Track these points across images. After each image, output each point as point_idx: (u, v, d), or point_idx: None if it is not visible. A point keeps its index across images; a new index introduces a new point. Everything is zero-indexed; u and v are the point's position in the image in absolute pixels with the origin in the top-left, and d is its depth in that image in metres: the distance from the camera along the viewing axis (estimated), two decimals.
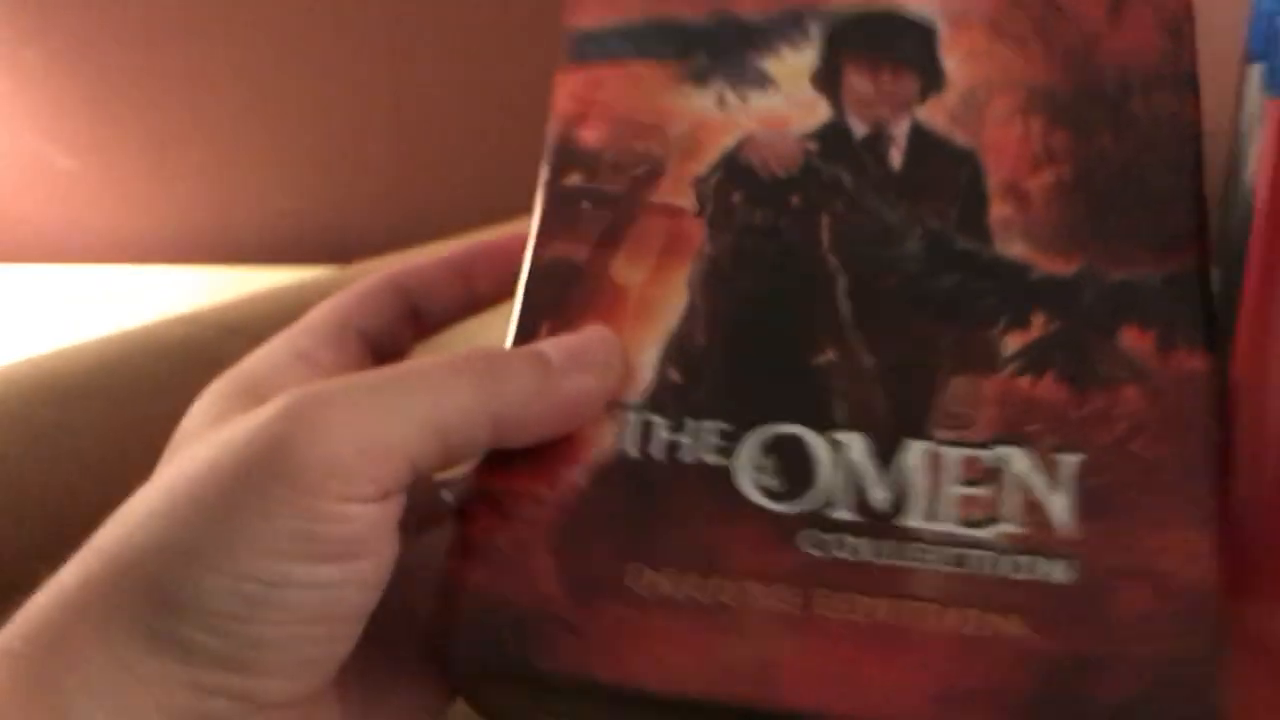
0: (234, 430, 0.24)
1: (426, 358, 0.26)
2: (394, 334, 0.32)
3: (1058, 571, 0.25)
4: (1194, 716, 0.24)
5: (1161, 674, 0.24)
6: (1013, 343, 0.27)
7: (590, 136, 0.31)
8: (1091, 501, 0.26)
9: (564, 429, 0.27)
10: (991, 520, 0.26)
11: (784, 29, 0.32)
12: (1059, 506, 0.26)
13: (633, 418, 0.28)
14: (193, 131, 0.79)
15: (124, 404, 0.42)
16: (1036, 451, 0.27)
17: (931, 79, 0.31)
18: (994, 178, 0.29)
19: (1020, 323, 0.28)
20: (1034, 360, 0.27)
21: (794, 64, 0.31)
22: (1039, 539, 0.26)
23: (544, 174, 0.31)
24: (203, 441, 0.25)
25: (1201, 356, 0.27)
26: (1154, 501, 0.26)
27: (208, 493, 0.23)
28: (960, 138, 0.30)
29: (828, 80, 0.31)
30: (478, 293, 0.33)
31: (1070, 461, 0.26)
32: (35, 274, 0.80)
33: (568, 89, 0.32)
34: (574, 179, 0.31)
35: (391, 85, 0.77)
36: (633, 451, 0.28)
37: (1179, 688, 0.24)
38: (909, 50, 0.31)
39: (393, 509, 0.25)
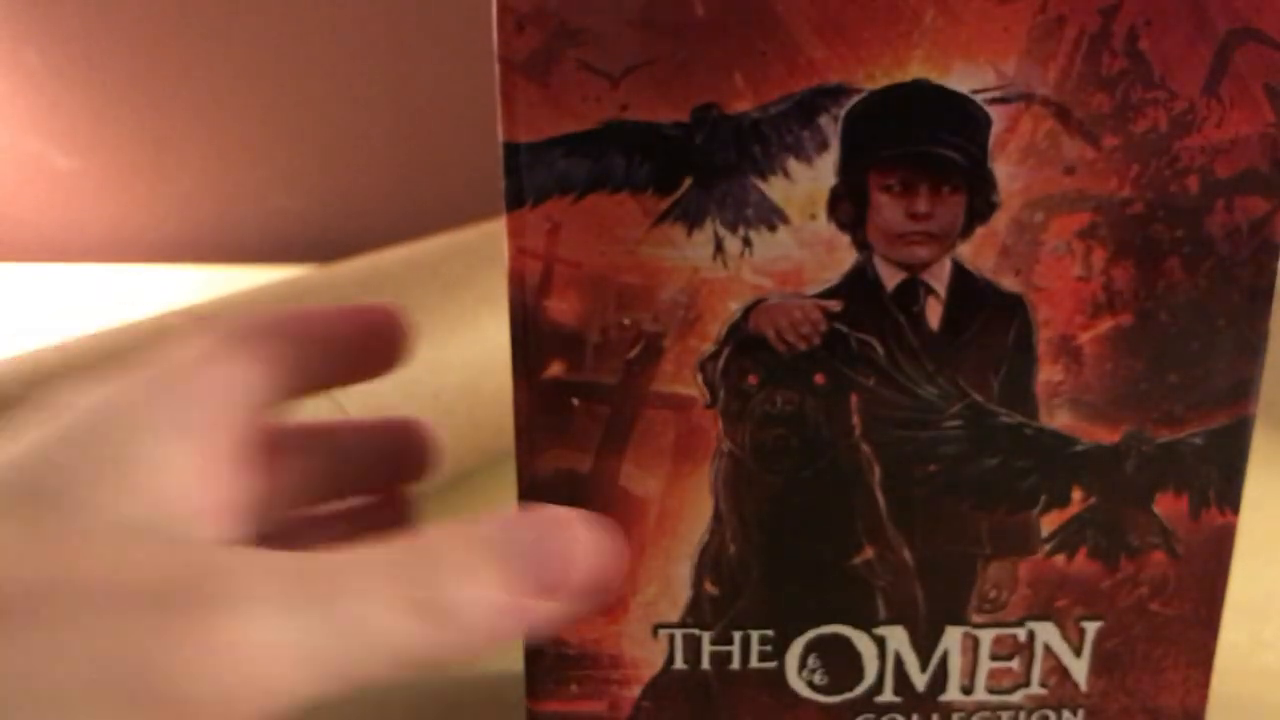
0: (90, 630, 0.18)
1: (361, 574, 0.19)
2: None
3: (1072, 717, 0.28)
4: None
5: None
6: (1050, 522, 0.27)
7: (562, 311, 0.25)
8: (1107, 659, 0.28)
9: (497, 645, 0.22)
10: (1020, 685, 0.28)
11: (791, 131, 0.24)
12: (1079, 668, 0.28)
13: (677, 635, 0.28)
14: (193, 131, 0.79)
15: None
16: (1063, 622, 0.28)
17: (981, 201, 0.24)
18: (1044, 331, 0.25)
19: (1060, 501, 0.27)
20: (1069, 539, 0.27)
21: (806, 186, 0.24)
22: (1059, 696, 0.28)
23: (515, 359, 0.25)
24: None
25: (1230, 514, 0.27)
26: (1162, 651, 0.28)
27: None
28: (1008, 281, 0.25)
29: (850, 209, 0.24)
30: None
31: (1092, 628, 0.28)
32: (35, 273, 0.80)
33: (517, 241, 0.24)
34: (555, 370, 0.25)
35: (391, 85, 0.77)
36: (681, 665, 0.28)
37: None
38: (955, 160, 0.24)
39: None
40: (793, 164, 0.24)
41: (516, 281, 0.24)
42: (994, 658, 0.28)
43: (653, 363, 0.25)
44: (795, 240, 0.24)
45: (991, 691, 0.28)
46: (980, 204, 0.24)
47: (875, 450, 0.26)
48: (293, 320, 0.25)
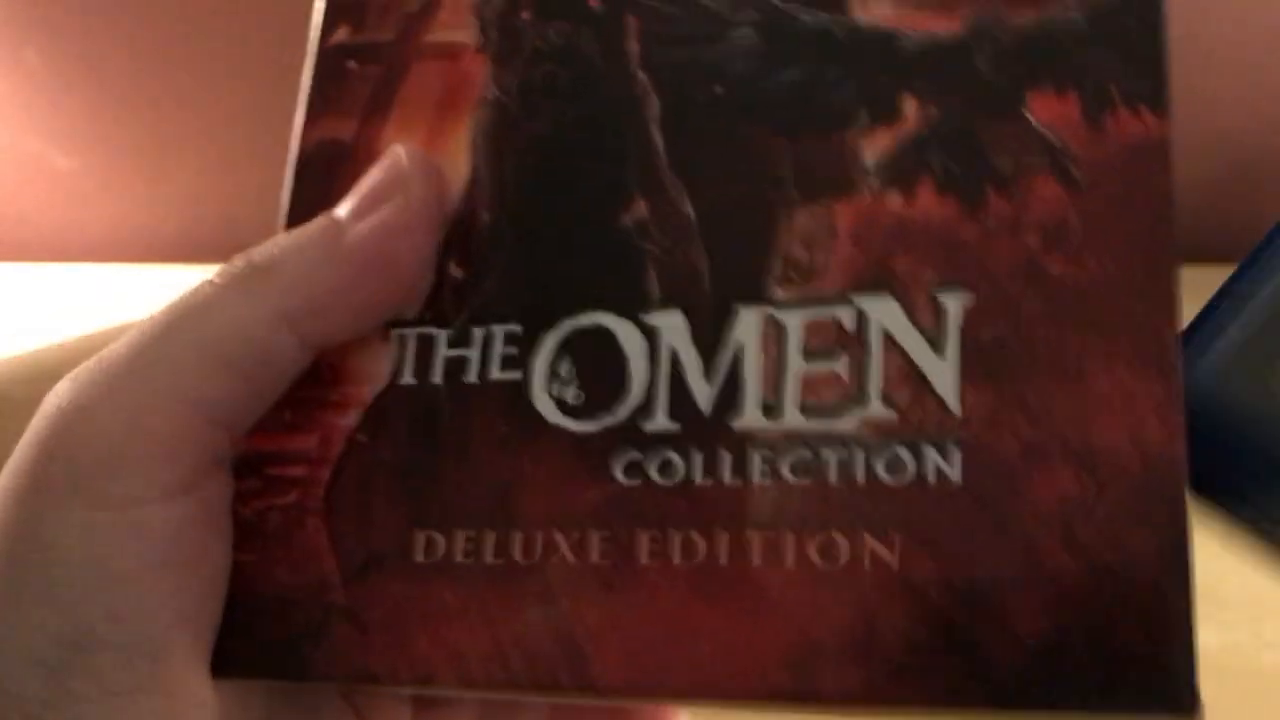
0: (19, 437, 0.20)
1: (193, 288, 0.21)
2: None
3: (945, 465, 0.18)
4: (1152, 656, 0.16)
5: (1102, 593, 0.17)
6: (876, 146, 0.20)
7: None
8: (987, 357, 0.18)
9: (385, 291, 0.21)
10: (851, 404, 0.19)
11: None
12: (943, 372, 0.18)
13: (410, 337, 0.22)
14: (193, 131, 0.79)
15: None
16: (910, 297, 0.19)
17: None
18: None
19: (886, 115, 0.20)
20: (905, 167, 0.20)
21: None
22: (917, 423, 0.18)
23: (310, 40, 0.24)
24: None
25: (1150, 114, 0.19)
26: (1080, 344, 0.18)
27: None
28: None
29: None
30: None
31: (955, 304, 0.19)
32: (35, 273, 0.80)
33: None
34: (341, 34, 0.24)
35: None
36: (409, 379, 0.22)
37: (1129, 611, 0.16)
38: None
39: (209, 494, 0.20)
40: None
41: None
42: (809, 355, 0.19)
43: (431, 12, 0.23)
44: None
45: (808, 413, 0.19)
46: None
47: (653, 78, 0.21)
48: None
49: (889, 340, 0.19)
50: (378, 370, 0.22)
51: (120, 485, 0.19)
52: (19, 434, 0.41)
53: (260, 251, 0.21)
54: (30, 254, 0.82)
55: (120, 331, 0.46)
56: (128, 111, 0.79)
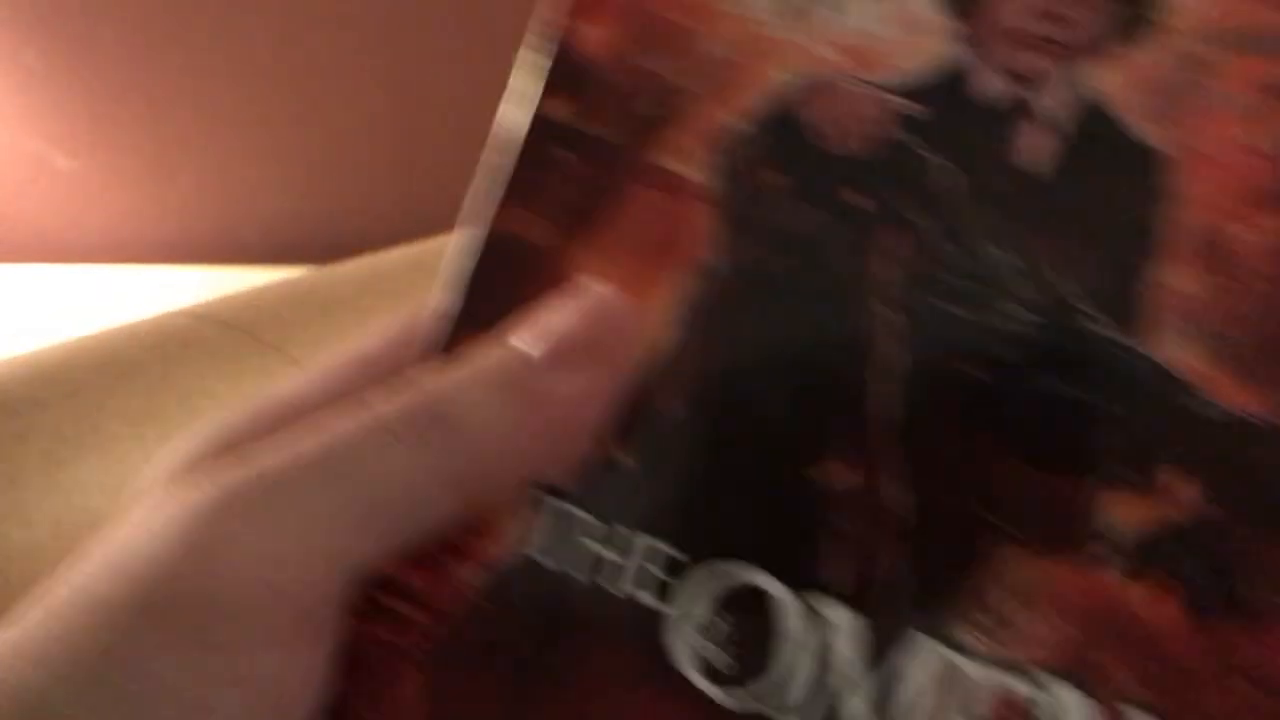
0: (140, 543, 0.18)
1: (350, 411, 0.19)
2: None
3: None
4: None
5: None
6: (1123, 515, 0.17)
7: (593, 39, 0.20)
8: None
9: (564, 461, 0.19)
10: None
11: None
12: None
13: (550, 505, 0.19)
14: (193, 131, 0.79)
15: (110, 388, 0.42)
16: (1101, 699, 0.16)
17: (1136, 12, 0.18)
18: (1188, 216, 0.17)
19: (1140, 481, 0.17)
20: (1154, 556, 0.17)
21: None
22: None
23: (522, 91, 0.20)
24: (119, 536, 0.19)
25: None
26: None
27: (84, 639, 0.18)
28: (1152, 129, 0.17)
29: None
30: None
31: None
32: (35, 274, 0.80)
33: None
34: (559, 108, 0.20)
35: (390, 86, 0.77)
36: (543, 558, 0.19)
37: None
38: None
39: (328, 644, 0.19)
40: None
41: (562, 11, 0.20)
42: (969, 716, 0.17)
43: (663, 126, 0.19)
44: (887, 15, 0.19)
45: None
46: (1131, 14, 0.18)
47: (904, 321, 0.18)
48: None
49: None
50: (505, 529, 0.19)
51: (242, 632, 0.17)
52: (19, 434, 0.41)
53: (441, 396, 0.18)
54: (30, 254, 0.82)
55: (120, 331, 0.46)
56: (128, 113, 0.79)
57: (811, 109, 0.19)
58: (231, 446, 0.20)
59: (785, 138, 0.19)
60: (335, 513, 0.18)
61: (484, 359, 0.18)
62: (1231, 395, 0.16)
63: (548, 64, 0.20)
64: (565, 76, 0.20)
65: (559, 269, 0.19)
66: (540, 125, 0.20)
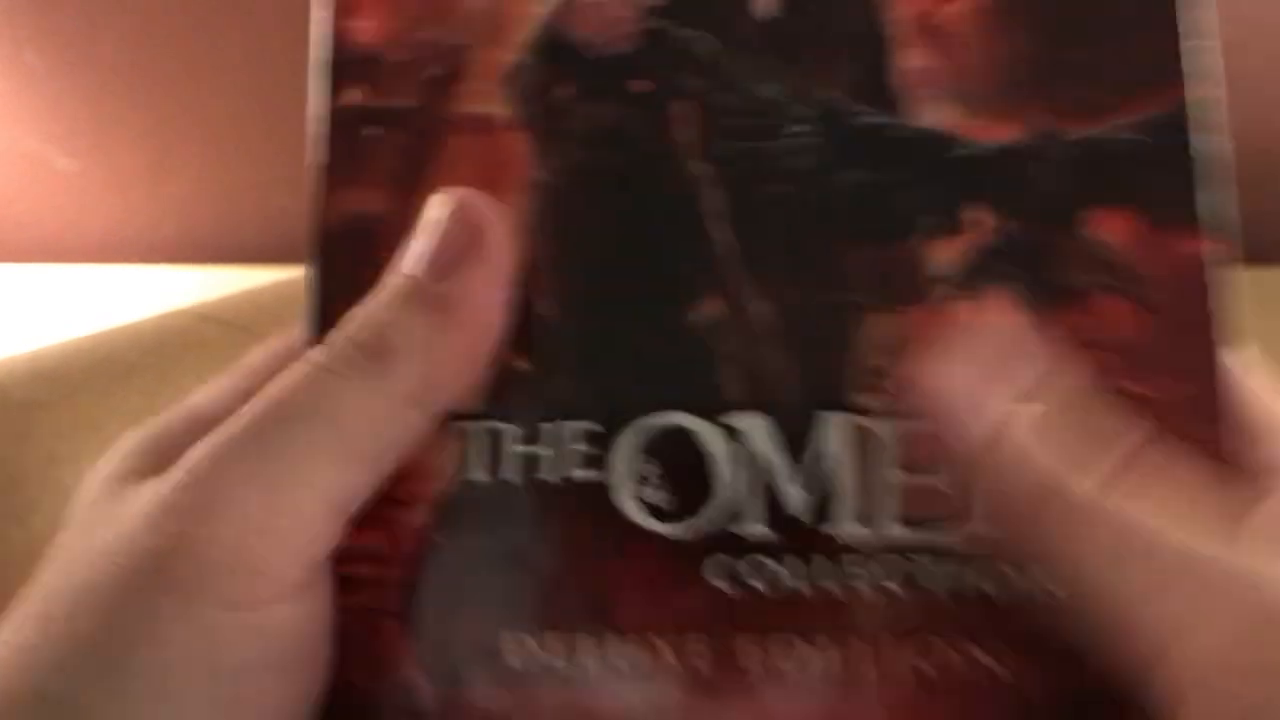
0: (118, 527, 0.19)
1: (286, 371, 0.20)
2: None
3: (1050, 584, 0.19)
4: None
5: None
6: (942, 255, 0.20)
7: (366, 30, 0.22)
8: None
9: (490, 349, 0.21)
10: (954, 518, 0.19)
11: None
12: None
13: (475, 429, 0.21)
14: (192, 131, 0.79)
15: (110, 388, 0.42)
16: None
17: None
18: (898, 8, 0.21)
19: (949, 224, 0.20)
20: (976, 276, 0.20)
21: None
22: None
23: (312, 94, 0.22)
24: (85, 534, 0.20)
25: (1194, 238, 0.20)
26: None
27: (87, 625, 0.18)
28: None
29: None
30: None
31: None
32: (35, 274, 0.80)
33: None
34: (353, 95, 0.22)
35: None
36: (480, 475, 0.21)
37: None
38: None
39: (326, 589, 0.20)
40: None
41: (330, 10, 0.22)
42: (906, 467, 0.20)
43: (455, 80, 0.22)
44: None
45: (909, 525, 0.19)
46: None
47: (715, 169, 0.21)
48: None
49: None
50: (440, 465, 0.21)
51: (247, 586, 0.18)
52: (19, 434, 0.41)
53: (362, 332, 0.20)
54: (30, 255, 0.82)
55: (120, 332, 0.46)
56: (128, 113, 0.79)
57: (574, 26, 0.21)
58: (163, 451, 0.21)
59: (559, 56, 0.22)
60: (311, 454, 0.19)
61: (384, 290, 0.20)
62: (983, 132, 0.20)
63: (329, 60, 0.22)
64: (350, 67, 0.22)
65: (402, 227, 0.21)
66: (342, 113, 0.22)
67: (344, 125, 0.22)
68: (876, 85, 0.21)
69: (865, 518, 0.20)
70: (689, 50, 0.21)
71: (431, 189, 0.21)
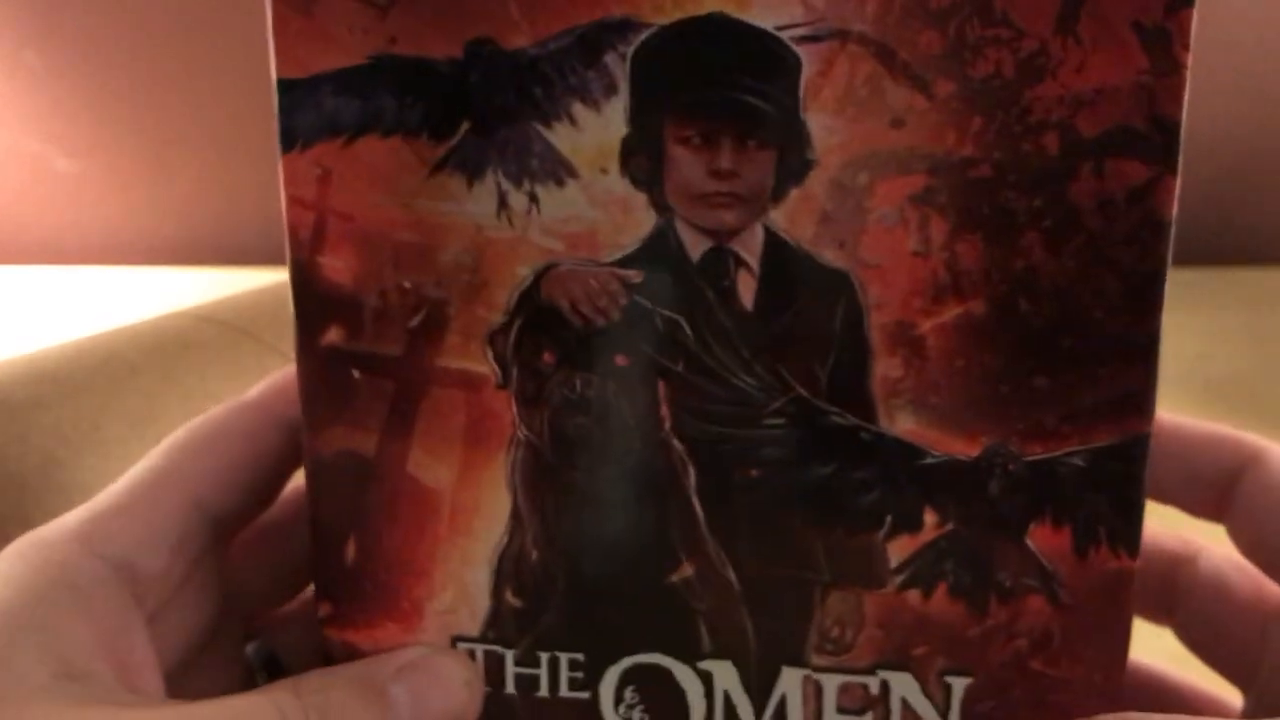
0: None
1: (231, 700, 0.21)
2: (259, 490, 0.24)
3: None
4: None
5: None
6: (900, 549, 0.22)
7: (337, 269, 0.22)
8: None
9: None
10: None
11: (575, 71, 0.21)
12: None
13: (479, 651, 0.24)
14: (193, 132, 0.79)
15: (111, 389, 0.42)
16: (924, 675, 0.23)
17: (794, 158, 0.21)
18: (877, 315, 0.21)
19: (909, 525, 0.22)
20: (924, 572, 0.22)
21: (595, 135, 0.21)
22: None
23: (296, 323, 0.22)
24: None
25: (1126, 557, 0.22)
26: None
27: None
28: (830, 254, 0.21)
29: (645, 164, 0.21)
30: None
31: (959, 685, 0.23)
32: (35, 275, 0.80)
33: (290, 189, 0.22)
34: (333, 336, 0.22)
35: None
36: (485, 686, 0.24)
37: None
38: (761, 108, 0.21)
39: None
40: (579, 109, 0.21)
41: (292, 235, 0.22)
42: (841, 711, 0.23)
43: (438, 333, 0.22)
44: (586, 198, 0.21)
45: None
46: (793, 161, 0.21)
47: (688, 448, 0.22)
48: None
49: (905, 706, 0.23)
50: None
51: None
52: (19, 435, 0.41)
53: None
54: (30, 256, 0.82)
55: (121, 333, 0.46)
56: (128, 114, 0.79)
57: (555, 293, 0.22)
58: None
59: (542, 322, 0.22)
60: None
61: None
62: (947, 445, 0.22)
63: (301, 296, 0.22)
64: (325, 304, 0.22)
65: (396, 470, 0.23)
66: (323, 353, 0.22)
67: (327, 365, 0.22)
68: (851, 388, 0.22)
69: None
70: (670, 333, 0.22)
71: (420, 439, 0.22)
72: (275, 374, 0.25)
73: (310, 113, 0.21)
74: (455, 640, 0.24)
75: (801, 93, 0.20)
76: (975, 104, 0.20)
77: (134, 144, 0.80)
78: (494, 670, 0.24)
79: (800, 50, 0.20)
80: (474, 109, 0.21)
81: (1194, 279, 0.80)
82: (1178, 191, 0.20)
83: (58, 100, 0.78)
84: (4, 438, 0.41)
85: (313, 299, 0.22)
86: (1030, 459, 0.22)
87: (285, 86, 0.21)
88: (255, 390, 0.25)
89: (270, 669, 0.26)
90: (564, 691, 0.23)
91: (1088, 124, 0.20)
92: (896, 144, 0.20)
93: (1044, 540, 0.22)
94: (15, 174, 0.81)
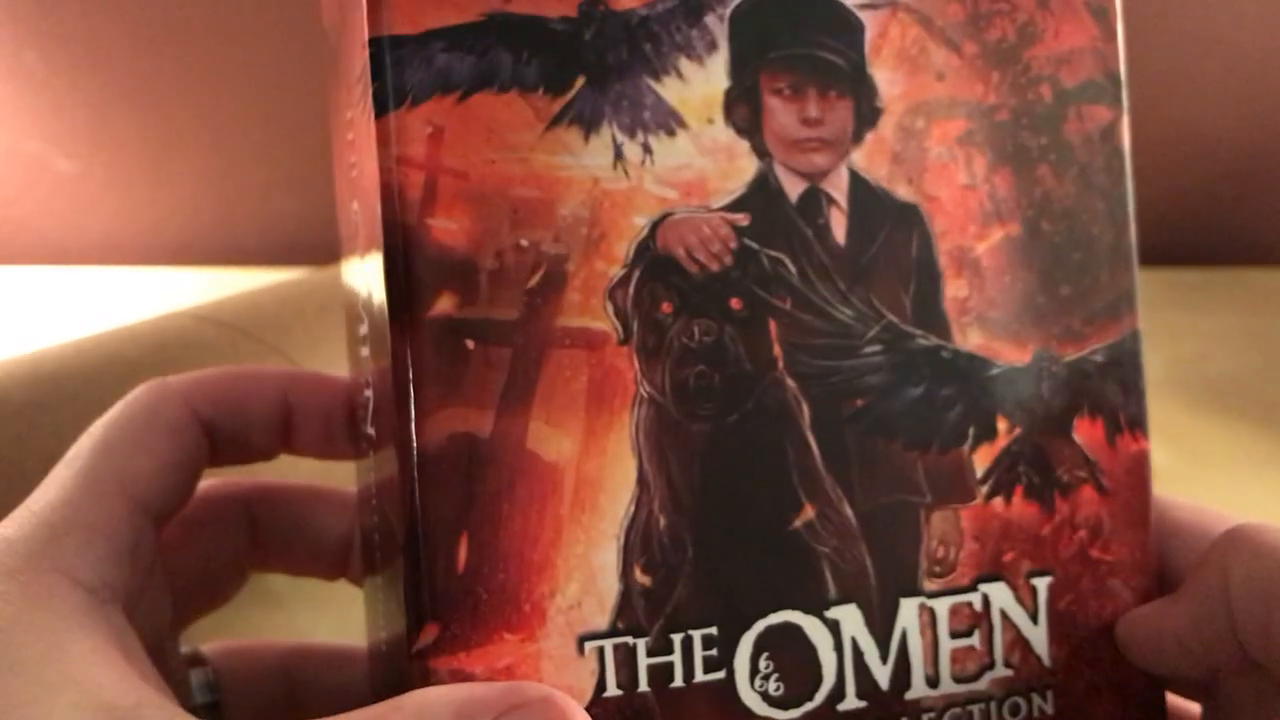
0: None
1: None
2: (184, 482, 0.24)
3: (1043, 704, 0.25)
4: None
5: None
6: (982, 459, 0.25)
7: (449, 232, 0.21)
8: (1063, 624, 0.25)
9: None
10: (986, 669, 0.25)
11: (680, 29, 0.23)
12: (1039, 638, 0.25)
13: (608, 648, 0.22)
14: (193, 132, 0.79)
15: (111, 389, 0.42)
16: (1015, 581, 0.25)
17: (867, 106, 0.24)
18: (943, 242, 0.24)
19: (988, 434, 0.25)
20: (1004, 478, 0.25)
21: (700, 88, 0.23)
22: (1026, 676, 0.25)
23: (391, 298, 0.21)
24: None
25: (1142, 438, 0.26)
26: (1112, 609, 0.25)
27: None
28: (902, 190, 0.24)
29: (745, 113, 0.23)
30: (297, 434, 0.26)
31: (1043, 585, 0.25)
32: (35, 275, 0.80)
33: (392, 149, 0.21)
34: (444, 305, 0.21)
35: None
36: (614, 690, 0.22)
37: None
38: (837, 64, 0.24)
39: None
40: (685, 64, 0.23)
41: (391, 198, 0.21)
42: (954, 635, 0.24)
43: (557, 291, 0.22)
44: (695, 147, 0.23)
45: (958, 680, 0.24)
46: (866, 109, 0.24)
47: (801, 385, 0.23)
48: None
49: (1005, 617, 0.25)
50: (580, 687, 0.22)
51: None
52: (19, 435, 0.41)
53: None
54: (30, 257, 0.82)
55: (121, 333, 0.46)
56: (128, 114, 0.79)
57: (671, 241, 0.22)
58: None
59: (660, 272, 0.22)
60: None
61: None
62: (1001, 354, 0.25)
63: (405, 265, 0.21)
64: (435, 270, 0.21)
65: (514, 449, 0.22)
66: (433, 325, 0.21)
67: (438, 338, 0.21)
68: (932, 310, 0.24)
69: (930, 680, 0.24)
70: (777, 272, 0.23)
71: (539, 407, 0.22)
72: (203, 370, 0.25)
73: (421, 69, 0.21)
74: (582, 640, 0.22)
75: (867, 51, 0.24)
76: (992, 61, 0.25)
77: (134, 144, 0.80)
78: (627, 667, 0.22)
79: (862, 15, 0.24)
80: (588, 64, 0.22)
81: (1194, 279, 0.80)
82: (1128, 129, 0.26)
83: (58, 100, 0.78)
84: (4, 438, 0.41)
85: (422, 266, 0.21)
86: (1068, 360, 0.25)
87: (395, 43, 0.21)
88: (177, 380, 0.24)
89: (211, 696, 0.26)
90: (699, 676, 0.23)
91: (1069, 77, 0.25)
92: (941, 94, 0.24)
93: (1085, 433, 0.25)
94: (15, 174, 0.81)
